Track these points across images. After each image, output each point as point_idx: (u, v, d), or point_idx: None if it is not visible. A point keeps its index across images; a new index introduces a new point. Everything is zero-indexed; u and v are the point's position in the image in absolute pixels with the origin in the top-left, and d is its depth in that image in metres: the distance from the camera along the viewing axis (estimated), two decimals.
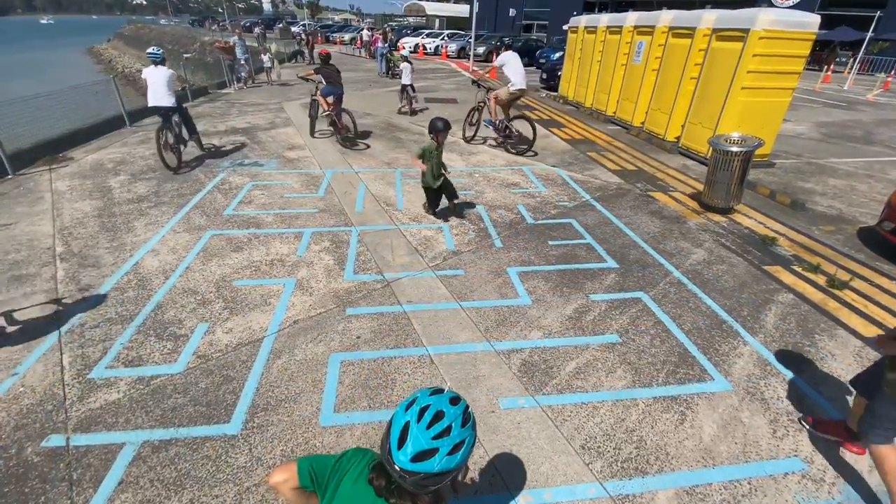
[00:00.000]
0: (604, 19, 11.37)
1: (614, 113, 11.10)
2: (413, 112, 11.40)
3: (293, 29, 35.26)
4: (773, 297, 4.26)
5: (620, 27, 10.42)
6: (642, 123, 9.92)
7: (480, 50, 24.50)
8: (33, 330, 3.53)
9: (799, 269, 4.75)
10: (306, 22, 38.92)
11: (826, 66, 22.59)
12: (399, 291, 4.15)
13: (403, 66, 11.06)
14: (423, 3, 51.33)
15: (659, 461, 2.63)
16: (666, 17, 9.02)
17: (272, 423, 2.80)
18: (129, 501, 2.32)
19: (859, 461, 2.67)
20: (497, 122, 8.46)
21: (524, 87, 8.23)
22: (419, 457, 1.09)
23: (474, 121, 8.94)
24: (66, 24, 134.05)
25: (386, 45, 18.83)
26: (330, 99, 8.41)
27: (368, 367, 3.26)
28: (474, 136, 9.04)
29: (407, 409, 1.15)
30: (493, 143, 8.96)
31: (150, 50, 7.07)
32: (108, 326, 3.60)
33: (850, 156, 8.88)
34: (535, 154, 8.36)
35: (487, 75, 9.40)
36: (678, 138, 8.74)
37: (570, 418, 2.89)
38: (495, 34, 31.48)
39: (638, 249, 5.04)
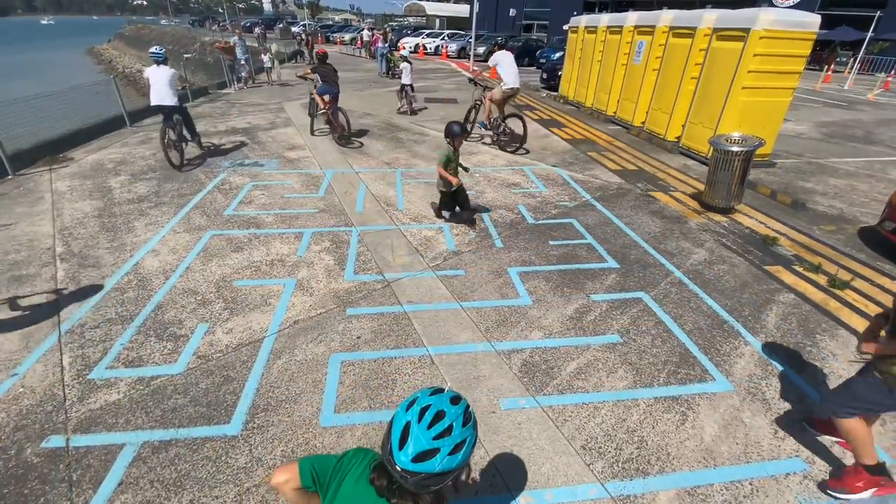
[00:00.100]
0: (604, 19, 11.37)
1: (615, 113, 11.09)
2: (413, 112, 11.40)
3: (293, 29, 35.28)
4: (774, 297, 4.26)
5: (621, 27, 10.41)
6: (643, 123, 9.91)
7: (481, 50, 24.49)
8: (35, 317, 3.54)
9: (800, 269, 4.75)
10: (306, 22, 38.91)
11: (826, 66, 22.57)
12: (399, 291, 4.15)
13: (403, 65, 11.07)
14: (423, 3, 51.34)
15: (660, 462, 2.63)
16: (666, 17, 9.02)
17: (272, 423, 2.79)
18: (129, 502, 2.32)
19: None
20: (492, 120, 8.62)
21: (516, 85, 8.33)
22: (420, 457, 1.09)
23: (471, 119, 9.09)
24: (67, 25, 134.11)
25: (386, 45, 18.83)
26: (326, 97, 8.49)
27: (369, 368, 3.25)
28: (469, 133, 9.07)
29: (407, 410, 1.15)
30: (489, 140, 9.08)
31: (152, 50, 7.12)
32: (109, 327, 3.59)
33: (850, 155, 8.87)
34: (527, 152, 8.45)
35: (487, 73, 9.44)
36: (679, 138, 8.73)
37: (570, 419, 2.89)
38: (496, 34, 31.46)
39: (639, 249, 5.03)
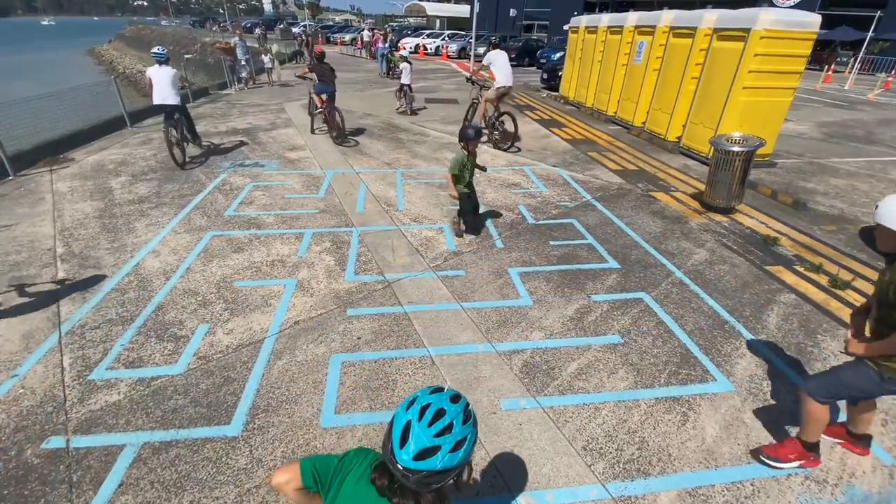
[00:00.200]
0: (604, 19, 11.36)
1: (615, 113, 11.08)
2: (413, 112, 11.41)
3: (294, 30, 35.29)
4: (775, 298, 4.25)
5: (621, 27, 10.41)
6: (643, 123, 9.90)
7: (481, 50, 24.46)
8: (35, 318, 3.54)
9: (801, 269, 4.74)
10: (307, 23, 38.94)
11: (827, 66, 22.55)
12: (400, 292, 4.14)
13: (403, 66, 11.09)
14: (423, 3, 51.37)
15: (661, 462, 2.62)
16: (667, 17, 9.01)
17: (273, 424, 2.79)
18: (130, 503, 2.32)
19: (862, 462, 2.66)
20: (487, 118, 8.83)
21: (509, 84, 8.49)
22: (421, 455, 1.09)
23: (469, 117, 9.35)
24: (67, 25, 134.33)
25: (386, 45, 18.83)
26: (324, 97, 8.59)
27: (369, 368, 3.25)
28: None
29: (408, 409, 1.15)
30: (484, 138, 9.08)
31: (154, 50, 7.20)
32: (109, 327, 3.59)
33: (851, 155, 8.86)
34: (518, 150, 8.59)
35: (485, 73, 9.55)
36: (679, 138, 8.73)
37: (571, 419, 2.88)
38: (496, 34, 31.47)
39: (639, 250, 5.03)
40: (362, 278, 4.35)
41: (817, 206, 6.39)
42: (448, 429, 1.11)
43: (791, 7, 21.34)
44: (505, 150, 8.53)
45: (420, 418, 1.12)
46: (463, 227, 5.23)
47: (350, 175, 7.05)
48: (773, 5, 22.07)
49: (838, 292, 4.36)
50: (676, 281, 4.46)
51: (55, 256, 4.58)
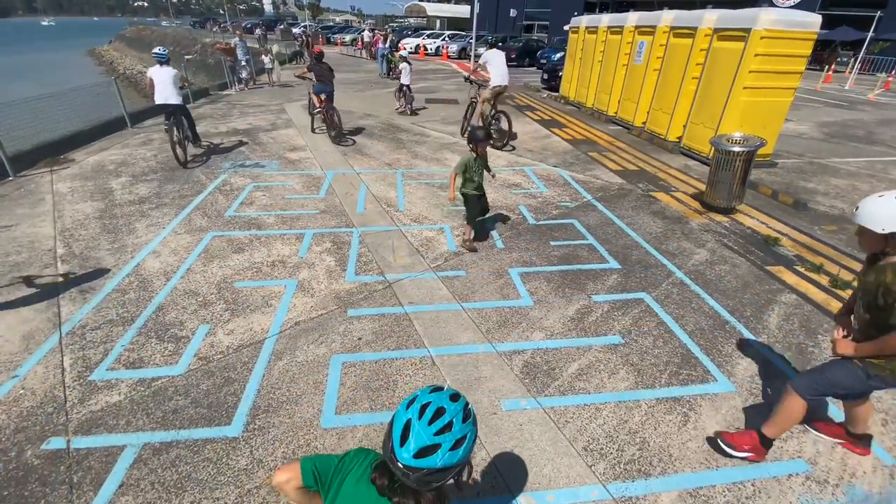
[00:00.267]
0: (605, 19, 11.36)
1: (615, 113, 11.08)
2: (413, 112, 11.42)
3: (294, 30, 35.31)
4: (775, 298, 4.25)
5: (621, 27, 10.41)
6: (644, 123, 9.90)
7: (481, 50, 24.49)
8: (35, 319, 3.54)
9: (802, 270, 4.73)
10: (307, 23, 38.96)
11: (827, 66, 22.55)
12: (400, 292, 4.14)
13: (402, 66, 11.09)
14: (423, 4, 51.42)
15: (662, 463, 2.62)
16: (667, 17, 9.01)
17: (273, 425, 2.79)
18: None
19: (862, 462, 2.65)
20: (483, 117, 8.95)
21: (504, 83, 8.57)
22: (422, 452, 1.10)
23: (468, 115, 9.47)
24: (68, 26, 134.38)
25: (387, 46, 18.84)
26: (322, 96, 8.66)
27: (370, 369, 3.24)
28: (467, 129, 9.53)
29: (408, 408, 1.16)
30: None
31: (155, 50, 7.28)
32: (109, 328, 3.59)
33: (852, 155, 8.85)
34: (514, 149, 8.67)
35: (484, 73, 9.65)
36: (680, 138, 8.73)
37: (572, 420, 2.88)
38: (496, 34, 31.50)
39: (640, 250, 5.03)
40: (363, 279, 4.35)
41: (818, 206, 6.38)
42: (448, 427, 1.12)
43: (791, 7, 21.34)
44: (500, 149, 8.59)
45: (420, 417, 1.13)
46: (472, 237, 4.95)
47: (350, 175, 7.05)
48: (773, 5, 22.08)
49: (839, 292, 4.35)
50: (677, 281, 4.46)
51: (55, 257, 4.58)
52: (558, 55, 17.93)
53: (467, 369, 3.27)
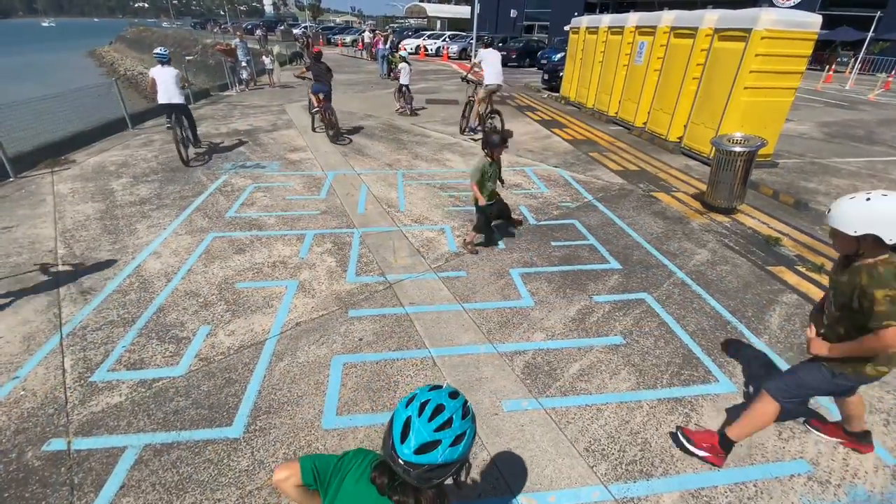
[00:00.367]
0: (605, 20, 11.36)
1: (616, 113, 11.08)
2: (413, 113, 11.43)
3: (294, 31, 35.37)
4: (777, 298, 4.24)
5: (622, 28, 10.41)
6: (644, 124, 9.90)
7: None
8: (36, 320, 3.54)
9: (803, 270, 4.73)
10: (308, 24, 39.00)
11: (827, 66, 22.54)
12: (401, 293, 4.14)
13: (401, 66, 11.10)
14: (424, 4, 51.47)
15: (664, 464, 2.61)
16: (668, 18, 9.01)
17: (274, 426, 2.78)
18: None
19: (864, 463, 2.65)
20: (479, 115, 9.21)
21: (498, 82, 8.76)
22: (422, 449, 1.11)
23: (466, 114, 9.66)
24: (68, 27, 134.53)
25: (387, 46, 18.84)
26: (320, 95, 8.75)
27: (371, 370, 3.24)
28: (466, 127, 9.77)
29: (407, 405, 1.17)
30: (476, 135, 9.52)
31: (156, 50, 7.36)
32: (110, 329, 3.59)
33: (852, 155, 8.84)
34: (508, 147, 8.57)
35: (479, 71, 9.73)
36: (681, 138, 8.72)
37: (574, 420, 2.88)
38: (497, 35, 31.49)
39: (641, 250, 5.02)
40: (364, 279, 4.34)
41: (819, 206, 6.37)
42: (448, 423, 1.13)
43: (791, 7, 21.34)
44: None
45: (420, 414, 1.14)
46: (477, 243, 4.91)
47: (351, 176, 7.05)
48: (773, 5, 22.08)
49: None
50: (678, 281, 4.45)
51: (56, 258, 4.58)
52: (559, 56, 17.94)
53: (468, 370, 3.26)
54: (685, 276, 4.55)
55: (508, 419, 2.87)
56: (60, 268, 4.41)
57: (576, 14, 14.82)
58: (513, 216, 4.98)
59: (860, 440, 2.68)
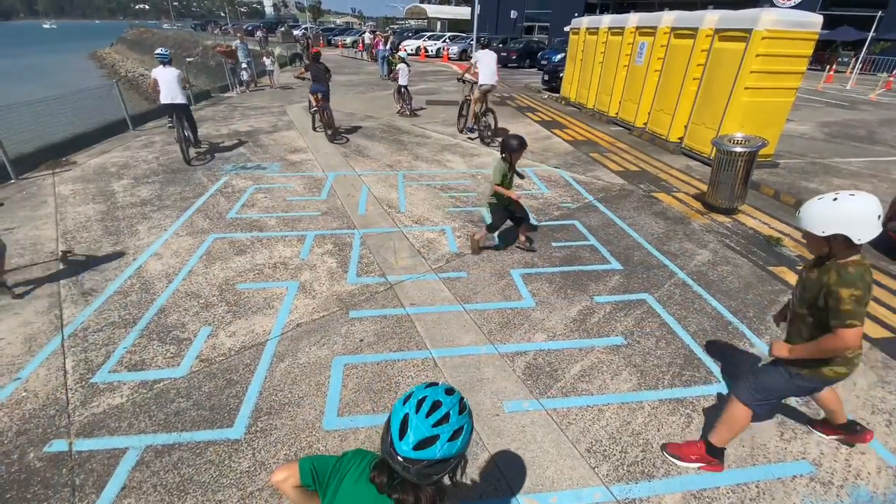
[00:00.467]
0: (605, 20, 11.36)
1: (616, 114, 11.08)
2: (413, 113, 11.44)
3: (295, 32, 35.42)
4: (778, 298, 4.23)
5: (622, 28, 10.41)
6: (645, 124, 9.89)
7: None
8: (38, 321, 3.54)
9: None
10: (308, 25, 39.04)
11: (828, 66, 22.53)
12: (402, 294, 4.14)
13: (400, 66, 11.11)
14: (424, 5, 51.49)
15: (666, 464, 2.61)
16: (668, 18, 9.01)
17: (275, 427, 2.78)
18: None
19: (867, 463, 2.64)
20: (476, 115, 9.30)
21: (491, 83, 8.87)
22: (421, 444, 1.12)
23: (464, 112, 9.82)
24: (69, 29, 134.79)
25: (387, 47, 18.86)
26: (318, 95, 8.88)
27: (372, 371, 3.24)
28: (464, 126, 9.89)
29: (405, 403, 1.18)
30: (475, 135, 9.60)
31: (158, 51, 7.45)
32: (112, 330, 3.59)
33: (853, 155, 8.83)
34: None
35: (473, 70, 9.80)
36: (681, 139, 8.72)
37: (575, 421, 2.87)
38: (497, 36, 31.52)
39: (642, 251, 5.02)
40: (364, 280, 4.34)
41: None
42: (445, 418, 1.15)
43: (792, 7, 21.33)
44: (488, 146, 8.88)
45: (417, 410, 1.15)
46: (484, 243, 4.91)
47: (352, 177, 7.06)
48: (774, 6, 22.07)
49: None
50: (679, 282, 4.45)
51: (57, 259, 4.58)
52: (559, 56, 17.94)
53: (469, 371, 3.26)
54: (686, 276, 4.54)
55: (510, 420, 2.87)
56: (61, 269, 4.41)
57: (576, 15, 14.84)
58: (521, 239, 4.94)
59: (854, 431, 2.68)
